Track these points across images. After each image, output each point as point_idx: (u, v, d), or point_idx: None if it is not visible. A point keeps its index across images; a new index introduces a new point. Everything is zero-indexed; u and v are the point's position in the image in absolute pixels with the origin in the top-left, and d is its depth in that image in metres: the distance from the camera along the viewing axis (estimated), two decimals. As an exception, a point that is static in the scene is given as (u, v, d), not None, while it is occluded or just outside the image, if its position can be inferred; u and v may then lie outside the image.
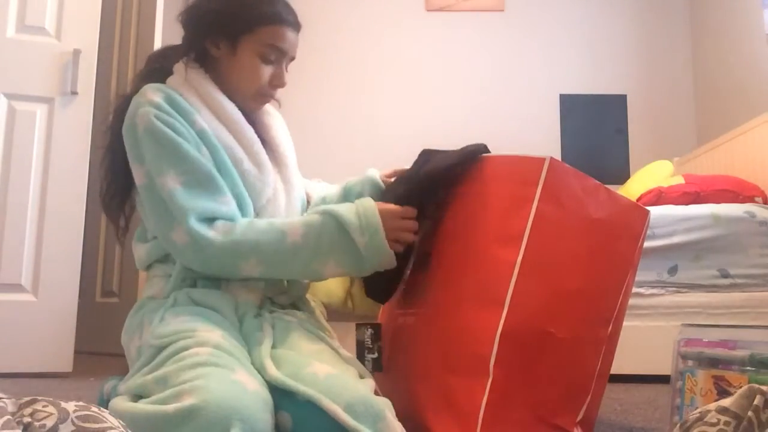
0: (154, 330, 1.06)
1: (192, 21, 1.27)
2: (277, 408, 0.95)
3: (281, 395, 0.96)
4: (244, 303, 1.17)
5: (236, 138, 1.21)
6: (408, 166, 1.35)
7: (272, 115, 1.39)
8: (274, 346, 1.08)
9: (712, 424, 0.74)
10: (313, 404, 0.92)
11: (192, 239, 1.09)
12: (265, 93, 1.27)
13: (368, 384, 1.02)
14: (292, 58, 1.29)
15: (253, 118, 1.30)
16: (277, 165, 1.29)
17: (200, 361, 0.93)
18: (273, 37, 1.23)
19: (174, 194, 1.10)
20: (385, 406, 0.96)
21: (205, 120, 1.19)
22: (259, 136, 1.26)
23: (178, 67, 1.25)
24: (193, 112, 1.18)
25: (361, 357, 1.19)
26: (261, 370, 1.00)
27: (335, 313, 2.12)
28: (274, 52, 1.24)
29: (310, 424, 0.92)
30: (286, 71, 1.28)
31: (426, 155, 1.30)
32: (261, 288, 1.20)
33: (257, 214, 1.21)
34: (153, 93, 1.17)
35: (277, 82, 1.26)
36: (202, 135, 1.17)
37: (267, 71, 1.24)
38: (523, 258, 1.10)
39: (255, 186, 1.20)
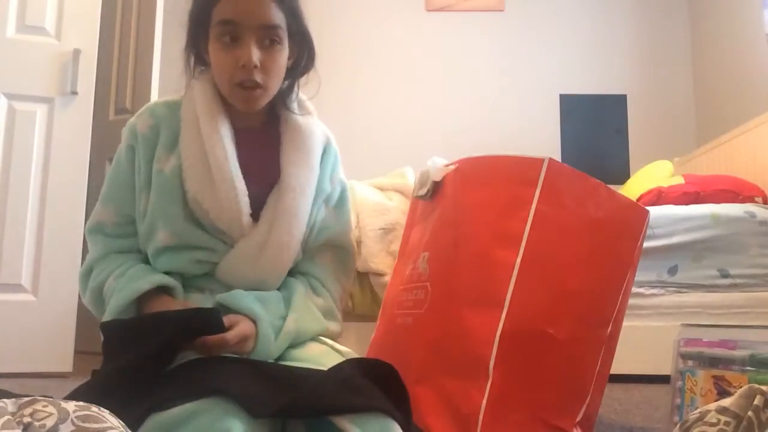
0: None
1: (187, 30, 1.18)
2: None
3: None
4: None
5: (213, 181, 1.08)
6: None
7: (295, 129, 1.18)
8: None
9: (712, 424, 0.74)
10: None
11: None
12: (240, 82, 1.07)
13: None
14: (263, 28, 1.07)
15: (263, 134, 1.17)
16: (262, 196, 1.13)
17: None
18: (222, 12, 1.06)
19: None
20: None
21: (184, 150, 1.11)
22: (257, 161, 1.14)
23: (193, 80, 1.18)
24: (168, 149, 1.12)
25: None
26: None
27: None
28: (228, 28, 1.06)
29: (321, 430, 0.92)
30: (257, 47, 1.07)
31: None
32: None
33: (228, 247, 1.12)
34: (142, 118, 1.15)
35: (244, 61, 1.05)
36: (157, 175, 1.11)
37: (230, 55, 1.07)
38: (522, 259, 1.11)
39: (220, 229, 1.10)
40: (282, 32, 1.10)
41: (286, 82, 1.20)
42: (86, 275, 1.16)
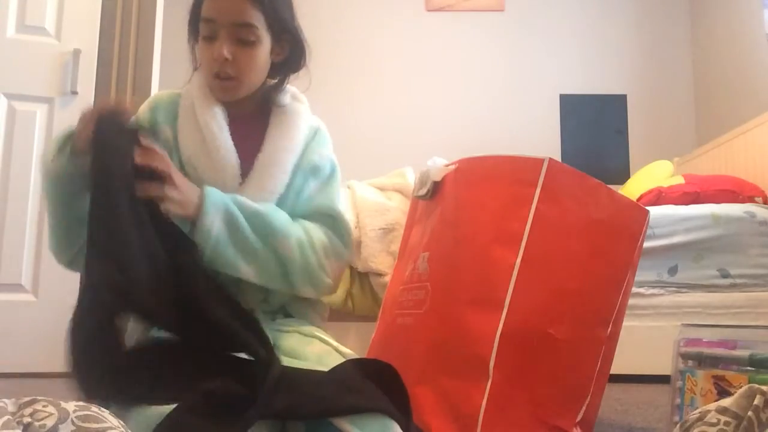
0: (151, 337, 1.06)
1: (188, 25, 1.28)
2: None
3: None
4: None
5: (207, 146, 1.17)
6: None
7: (283, 114, 1.26)
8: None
9: (712, 424, 0.74)
10: None
11: None
12: (215, 74, 1.17)
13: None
14: (237, 26, 1.14)
15: (252, 120, 1.24)
16: (254, 177, 1.20)
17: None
18: (204, 11, 1.17)
19: None
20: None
21: (180, 126, 1.20)
22: (244, 139, 1.20)
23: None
24: (166, 123, 1.20)
25: None
26: None
27: (335, 313, 2.12)
28: (208, 25, 1.16)
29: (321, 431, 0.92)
30: (231, 44, 1.15)
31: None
32: (243, 297, 1.17)
33: None
34: (144, 105, 1.24)
35: (216, 55, 1.15)
36: (164, 145, 1.18)
37: (208, 51, 1.17)
38: (522, 259, 1.11)
39: None
40: (258, 30, 1.17)
41: (277, 79, 1.28)
42: None
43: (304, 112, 1.29)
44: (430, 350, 1.16)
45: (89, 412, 0.64)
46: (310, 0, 3.75)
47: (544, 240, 1.12)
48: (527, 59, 3.92)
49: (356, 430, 0.81)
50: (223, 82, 1.18)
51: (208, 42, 1.17)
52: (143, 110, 1.23)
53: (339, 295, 2.27)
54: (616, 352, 1.27)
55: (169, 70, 3.01)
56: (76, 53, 2.49)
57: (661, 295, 2.25)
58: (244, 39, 1.16)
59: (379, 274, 2.16)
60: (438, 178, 1.32)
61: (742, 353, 1.16)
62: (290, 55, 1.25)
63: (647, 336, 2.16)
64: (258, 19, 1.16)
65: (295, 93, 1.32)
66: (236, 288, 1.14)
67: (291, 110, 1.28)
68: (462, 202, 1.23)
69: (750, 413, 0.72)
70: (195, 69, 1.26)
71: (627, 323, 1.32)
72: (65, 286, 2.48)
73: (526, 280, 1.10)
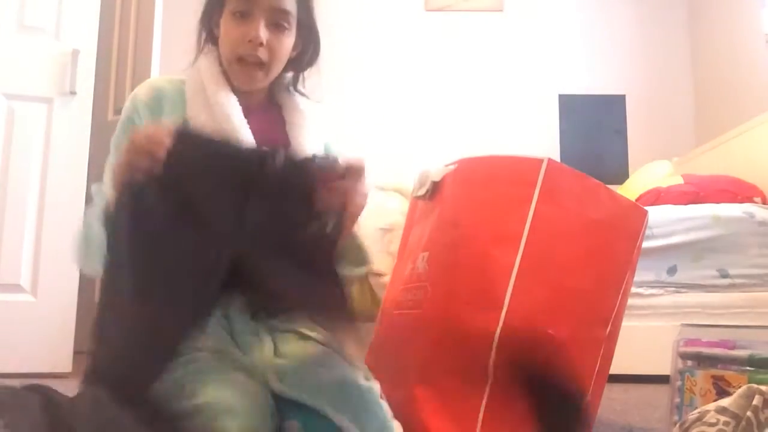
0: None
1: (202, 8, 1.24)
2: (286, 416, 0.94)
3: (290, 404, 0.95)
4: (233, 306, 1.13)
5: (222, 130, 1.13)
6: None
7: (300, 113, 1.24)
8: (275, 352, 1.07)
9: (712, 424, 0.75)
10: (321, 413, 0.92)
11: None
12: (244, 55, 1.13)
13: (374, 388, 1.01)
14: (275, 10, 1.13)
15: (266, 113, 1.22)
16: None
17: (199, 367, 0.93)
18: None
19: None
20: (389, 413, 0.95)
21: (191, 116, 1.14)
22: (266, 133, 1.17)
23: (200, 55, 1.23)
24: (173, 114, 1.14)
25: None
26: (264, 380, 0.99)
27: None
28: (241, 5, 1.12)
29: (319, 430, 0.92)
30: (266, 27, 1.13)
31: None
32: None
33: None
34: (143, 89, 1.18)
35: (251, 36, 1.11)
36: None
37: (240, 30, 1.13)
38: (521, 259, 1.11)
39: None
40: (291, 19, 1.16)
41: (290, 74, 1.26)
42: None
43: (315, 120, 1.28)
44: (429, 350, 1.17)
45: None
46: (310, 0, 3.75)
47: (544, 240, 1.12)
48: (526, 59, 3.92)
49: (355, 428, 0.81)
50: (248, 67, 1.14)
51: (236, 21, 1.13)
52: (142, 100, 1.16)
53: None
54: (615, 352, 1.28)
55: (169, 71, 3.01)
56: (75, 53, 2.49)
57: (661, 295, 2.26)
58: (279, 24, 1.14)
59: (379, 275, 2.16)
60: (437, 178, 1.32)
61: (742, 353, 1.16)
62: (303, 51, 1.24)
63: (647, 336, 2.15)
64: (293, 7, 1.16)
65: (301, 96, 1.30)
66: None
67: (305, 112, 1.25)
68: (461, 202, 1.24)
69: (749, 413, 0.72)
70: (200, 52, 1.22)
71: (626, 323, 1.32)
72: (65, 286, 2.49)
73: (525, 280, 1.10)
